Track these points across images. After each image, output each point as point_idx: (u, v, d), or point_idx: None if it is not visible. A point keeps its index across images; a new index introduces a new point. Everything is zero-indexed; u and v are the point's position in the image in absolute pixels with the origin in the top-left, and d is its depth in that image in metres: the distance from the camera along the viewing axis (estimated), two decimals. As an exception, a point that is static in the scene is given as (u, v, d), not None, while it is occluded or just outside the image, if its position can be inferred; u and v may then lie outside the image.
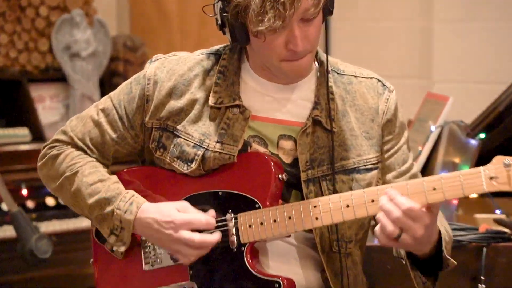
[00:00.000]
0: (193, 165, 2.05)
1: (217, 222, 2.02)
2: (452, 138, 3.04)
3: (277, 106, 2.08)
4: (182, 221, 1.98)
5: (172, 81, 2.10)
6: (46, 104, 4.40)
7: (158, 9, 5.04)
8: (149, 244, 2.10)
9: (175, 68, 2.12)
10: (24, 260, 2.17)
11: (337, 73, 2.11)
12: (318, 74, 2.09)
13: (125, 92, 2.14)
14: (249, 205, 2.01)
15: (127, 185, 2.11)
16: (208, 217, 2.00)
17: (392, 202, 1.87)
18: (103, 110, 2.15)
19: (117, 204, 2.04)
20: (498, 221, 2.71)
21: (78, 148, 2.15)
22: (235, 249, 2.01)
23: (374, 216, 1.96)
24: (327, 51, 2.05)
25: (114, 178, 2.11)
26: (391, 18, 4.44)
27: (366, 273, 2.16)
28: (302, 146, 2.04)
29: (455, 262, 1.99)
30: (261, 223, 1.98)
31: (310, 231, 2.04)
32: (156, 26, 5.04)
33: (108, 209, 2.04)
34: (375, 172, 2.09)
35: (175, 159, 2.08)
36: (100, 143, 2.14)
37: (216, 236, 1.99)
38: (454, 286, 2.46)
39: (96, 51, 4.46)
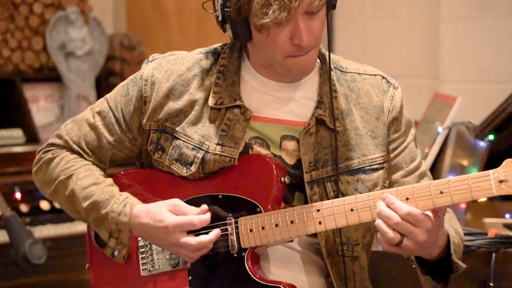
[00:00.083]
0: (193, 168, 2.03)
1: (217, 226, 2.00)
2: (460, 140, 3.04)
3: (279, 106, 2.06)
4: (174, 225, 1.96)
5: (170, 81, 2.08)
6: (41, 104, 4.40)
7: (156, 6, 5.04)
8: (147, 249, 2.08)
9: (173, 68, 2.09)
10: (17, 266, 2.16)
11: (340, 71, 2.10)
12: (321, 72, 2.08)
13: (121, 94, 2.13)
14: (250, 209, 1.99)
15: (124, 188, 2.10)
16: (200, 216, 1.97)
17: (390, 207, 1.85)
18: (99, 113, 2.13)
19: (110, 207, 2.03)
20: (507, 226, 2.73)
21: (73, 151, 2.14)
22: (235, 254, 1.99)
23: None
24: (329, 49, 2.03)
25: (109, 180, 2.10)
26: (397, 16, 4.44)
27: (372, 279, 2.15)
28: (305, 146, 2.02)
29: (464, 266, 1.98)
30: (263, 228, 1.97)
31: (313, 235, 2.02)
32: (153, 24, 5.04)
33: (103, 212, 2.04)
34: (381, 172, 2.06)
35: (174, 161, 2.06)
36: (96, 147, 2.13)
37: (212, 236, 1.97)
38: (463, 292, 2.48)
39: (92, 50, 4.47)
